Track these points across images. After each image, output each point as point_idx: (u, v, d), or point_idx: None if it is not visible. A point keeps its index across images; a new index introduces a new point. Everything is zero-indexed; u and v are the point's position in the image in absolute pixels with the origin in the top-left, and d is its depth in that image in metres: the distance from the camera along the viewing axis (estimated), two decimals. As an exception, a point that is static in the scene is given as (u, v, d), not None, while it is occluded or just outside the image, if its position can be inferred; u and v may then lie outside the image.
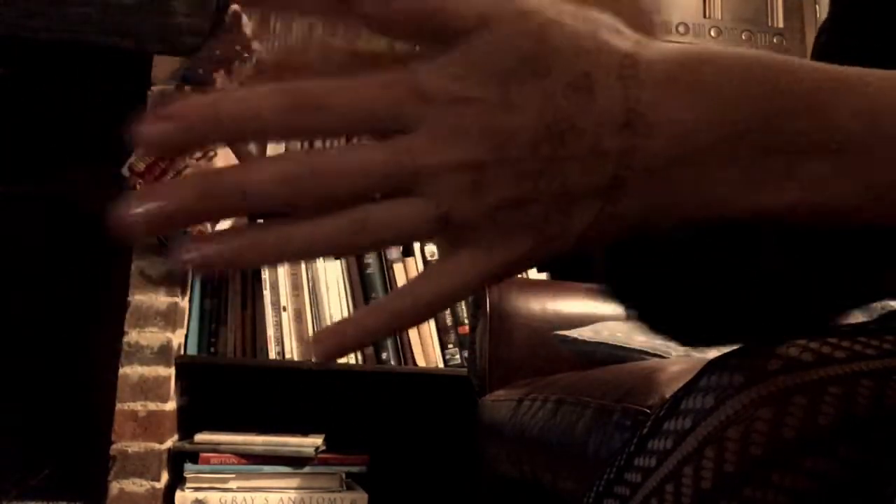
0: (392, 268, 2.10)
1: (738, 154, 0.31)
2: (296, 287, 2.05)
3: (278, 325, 2.01)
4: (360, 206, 0.30)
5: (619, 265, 0.48)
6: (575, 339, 1.36)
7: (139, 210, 0.30)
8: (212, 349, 2.02)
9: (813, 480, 0.34)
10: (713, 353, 0.42)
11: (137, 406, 1.87)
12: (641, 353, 1.25)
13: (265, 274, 2.04)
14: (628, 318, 0.50)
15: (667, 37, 2.30)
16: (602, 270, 0.49)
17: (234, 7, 1.96)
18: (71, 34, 2.00)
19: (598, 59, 0.31)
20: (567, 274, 1.78)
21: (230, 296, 2.06)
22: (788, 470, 0.34)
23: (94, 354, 2.15)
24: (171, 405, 1.93)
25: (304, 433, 1.95)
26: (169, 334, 1.91)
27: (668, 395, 0.41)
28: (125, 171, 1.82)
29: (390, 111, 0.30)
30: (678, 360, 1.11)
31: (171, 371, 1.91)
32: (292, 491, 1.89)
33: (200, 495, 1.85)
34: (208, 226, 1.90)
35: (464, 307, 2.07)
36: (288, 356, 2.00)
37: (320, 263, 2.07)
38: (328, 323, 2.05)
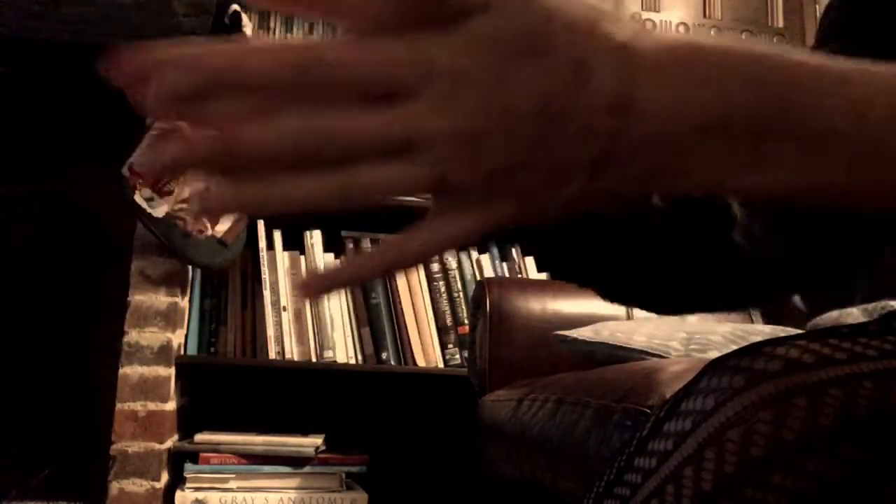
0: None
1: (722, 140, 0.33)
2: (296, 287, 2.05)
3: (278, 325, 2.01)
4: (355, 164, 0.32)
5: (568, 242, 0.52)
6: (575, 339, 1.36)
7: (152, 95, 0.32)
8: (212, 349, 2.02)
9: (813, 482, 0.34)
10: (713, 353, 0.42)
11: (137, 406, 1.87)
12: (641, 353, 1.25)
13: (265, 274, 2.04)
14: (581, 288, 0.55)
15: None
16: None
17: (234, 7, 1.96)
18: (71, 34, 2.00)
19: (595, 45, 0.32)
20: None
21: (230, 296, 2.06)
22: (789, 471, 0.34)
23: (94, 354, 2.15)
24: (171, 405, 1.93)
25: (304, 433, 1.95)
26: (169, 334, 1.91)
27: (668, 395, 0.41)
28: (125, 171, 1.82)
29: (394, 76, 0.32)
30: (678, 360, 1.11)
31: (171, 371, 1.91)
32: (292, 491, 1.89)
33: (200, 495, 1.85)
34: (207, 223, 1.90)
35: (464, 307, 2.07)
36: (288, 356, 2.00)
37: (320, 264, 2.07)
38: (328, 323, 2.06)
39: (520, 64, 0.32)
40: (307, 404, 2.21)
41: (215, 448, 1.88)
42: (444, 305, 2.09)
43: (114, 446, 1.86)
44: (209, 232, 1.88)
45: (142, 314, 1.91)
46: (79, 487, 1.93)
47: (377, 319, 2.06)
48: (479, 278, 2.08)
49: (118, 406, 1.87)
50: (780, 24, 2.35)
